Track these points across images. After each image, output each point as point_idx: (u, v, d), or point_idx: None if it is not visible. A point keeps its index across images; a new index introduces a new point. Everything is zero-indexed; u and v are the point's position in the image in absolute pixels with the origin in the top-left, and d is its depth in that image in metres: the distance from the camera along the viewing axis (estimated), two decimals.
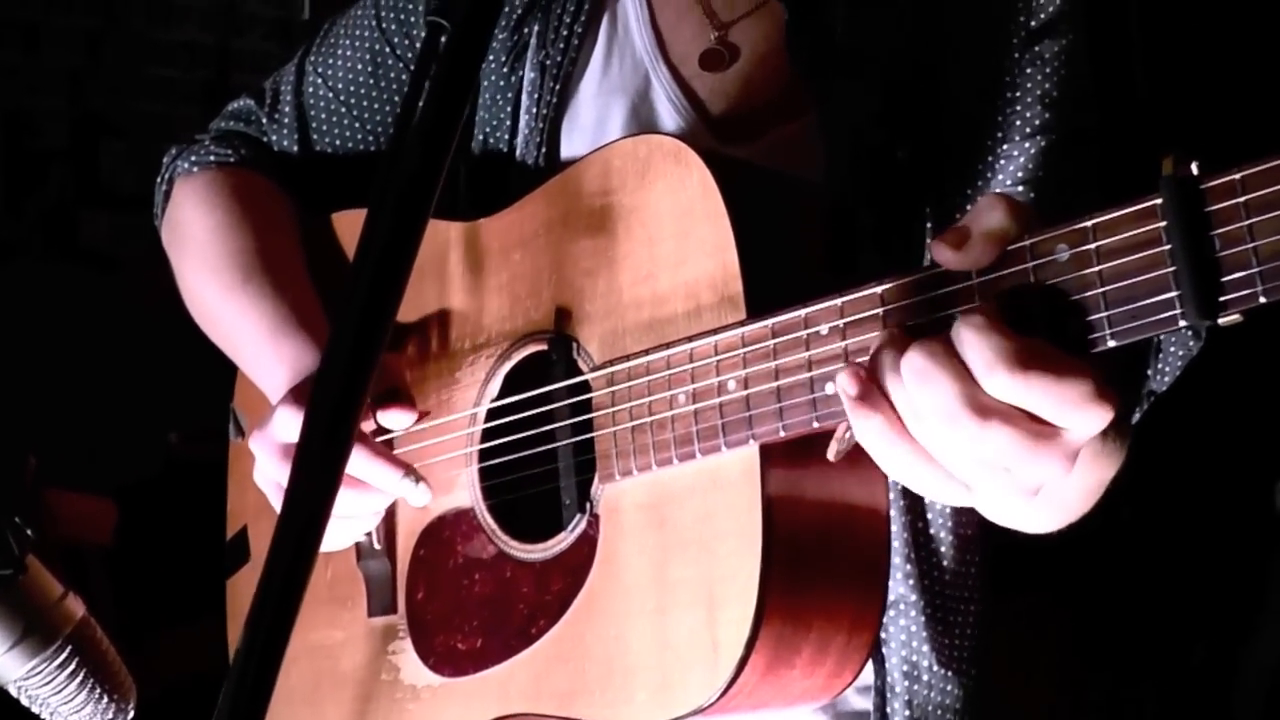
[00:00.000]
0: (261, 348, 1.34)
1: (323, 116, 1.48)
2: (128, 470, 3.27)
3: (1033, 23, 1.25)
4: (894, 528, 1.19)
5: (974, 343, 0.85)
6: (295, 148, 1.49)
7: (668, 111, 1.33)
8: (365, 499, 1.23)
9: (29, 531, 1.12)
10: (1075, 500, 1.05)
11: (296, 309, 1.34)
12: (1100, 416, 0.86)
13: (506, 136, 1.39)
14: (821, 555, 1.08)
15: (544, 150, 1.36)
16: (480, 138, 1.41)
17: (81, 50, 4.09)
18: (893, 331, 0.91)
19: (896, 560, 1.20)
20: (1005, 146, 1.24)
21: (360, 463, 1.20)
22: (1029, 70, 1.24)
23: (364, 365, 0.81)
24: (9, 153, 3.90)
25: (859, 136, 1.23)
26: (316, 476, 0.79)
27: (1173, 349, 1.25)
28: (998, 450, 0.87)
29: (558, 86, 1.37)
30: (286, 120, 1.50)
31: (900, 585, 1.21)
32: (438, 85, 0.88)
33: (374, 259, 0.84)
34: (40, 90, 4.00)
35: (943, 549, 1.24)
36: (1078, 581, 2.74)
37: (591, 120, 1.35)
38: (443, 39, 0.89)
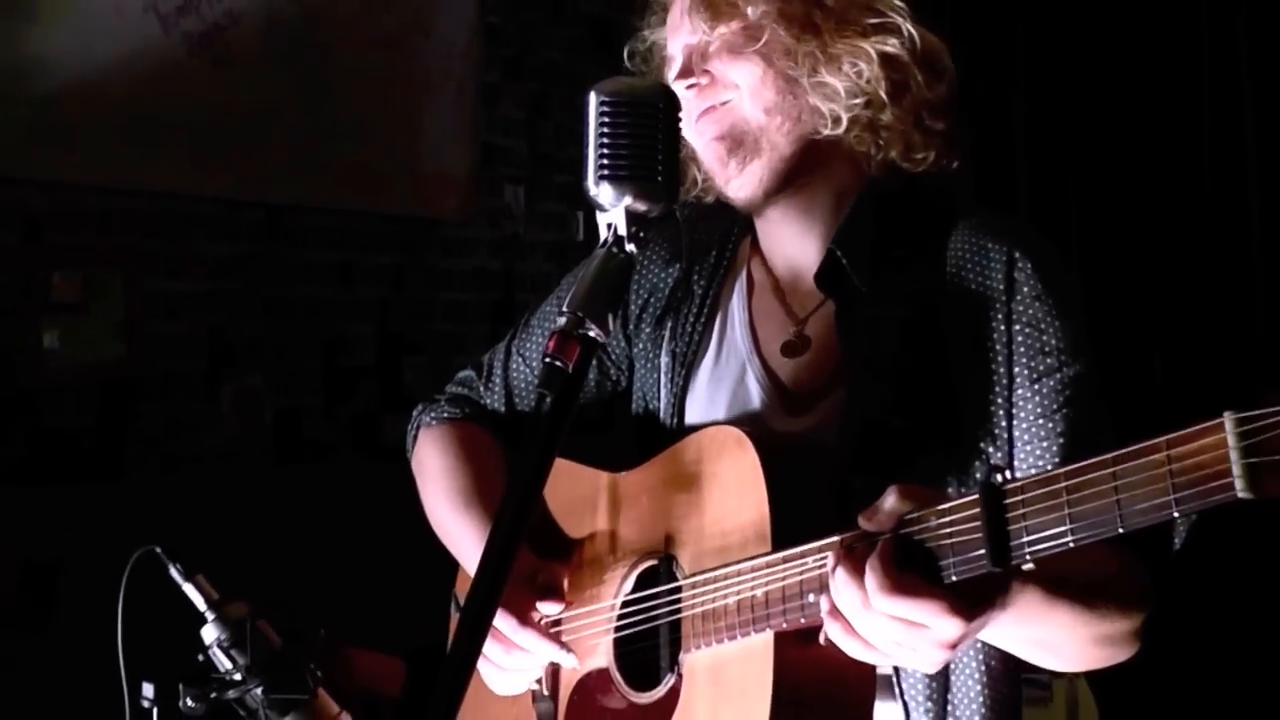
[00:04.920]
0: (476, 557, 1.97)
1: (523, 388, 2.10)
2: (420, 635, 3.92)
3: (1017, 297, 1.72)
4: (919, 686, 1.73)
5: (869, 575, 1.43)
6: (503, 409, 2.12)
7: (756, 392, 1.87)
8: (529, 660, 1.86)
9: (319, 673, 1.88)
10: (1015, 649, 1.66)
11: None
12: (951, 623, 1.42)
13: (656, 403, 1.99)
14: (821, 703, 1.62)
15: (675, 420, 1.95)
16: (643, 400, 2.01)
17: (388, 283, 4.69)
18: (838, 553, 1.49)
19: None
20: (1019, 392, 1.71)
21: (529, 639, 1.83)
22: (1017, 331, 1.71)
23: (502, 572, 1.34)
24: (326, 370, 4.51)
25: (864, 411, 1.74)
26: (466, 643, 1.32)
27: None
28: (892, 638, 1.44)
29: (684, 372, 1.94)
30: (497, 390, 2.13)
31: None
32: (538, 434, 1.37)
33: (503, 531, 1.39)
34: (353, 318, 4.60)
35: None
36: None
37: (705, 399, 1.92)
38: (545, 401, 1.42)
